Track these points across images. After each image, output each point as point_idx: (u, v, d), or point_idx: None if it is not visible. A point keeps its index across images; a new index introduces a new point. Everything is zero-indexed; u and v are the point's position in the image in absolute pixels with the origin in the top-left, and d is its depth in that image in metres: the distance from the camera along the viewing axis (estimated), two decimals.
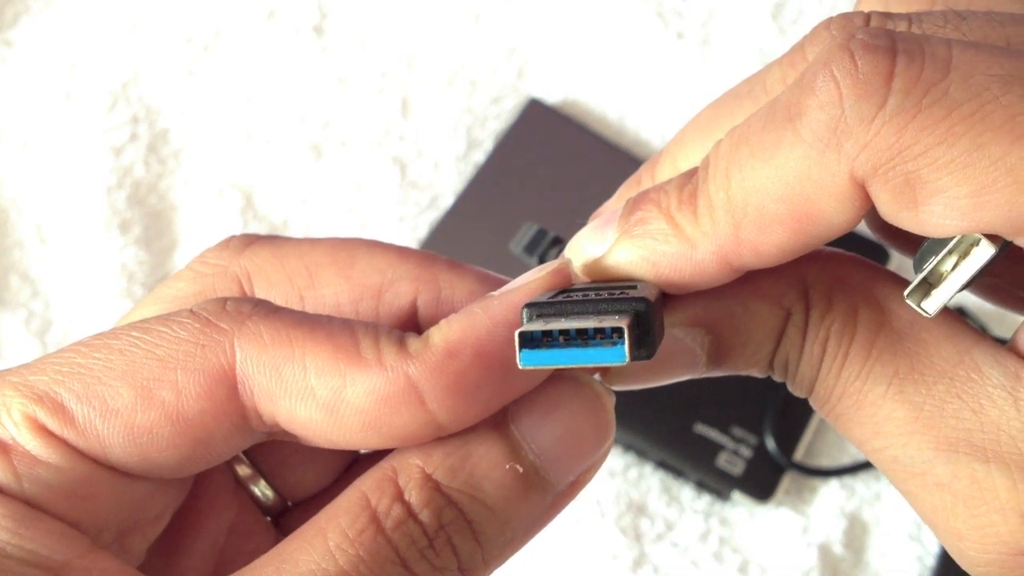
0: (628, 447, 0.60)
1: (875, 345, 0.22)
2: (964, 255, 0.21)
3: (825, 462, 0.59)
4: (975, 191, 0.19)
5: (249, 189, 0.66)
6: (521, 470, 0.22)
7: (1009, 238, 0.20)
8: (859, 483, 0.59)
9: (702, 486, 0.59)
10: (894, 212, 0.20)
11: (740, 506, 0.58)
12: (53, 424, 0.22)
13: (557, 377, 0.23)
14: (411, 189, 0.66)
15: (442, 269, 0.26)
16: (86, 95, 0.69)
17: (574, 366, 0.21)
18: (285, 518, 0.28)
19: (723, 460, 0.58)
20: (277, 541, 0.26)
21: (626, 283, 0.23)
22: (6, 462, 0.21)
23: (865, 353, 0.22)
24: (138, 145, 0.67)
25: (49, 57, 0.71)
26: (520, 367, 0.21)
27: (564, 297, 0.22)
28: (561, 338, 0.21)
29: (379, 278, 0.26)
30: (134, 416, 0.22)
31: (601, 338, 0.21)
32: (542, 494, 0.23)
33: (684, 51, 0.72)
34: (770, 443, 0.58)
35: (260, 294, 0.26)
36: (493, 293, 0.23)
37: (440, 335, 0.22)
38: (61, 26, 0.72)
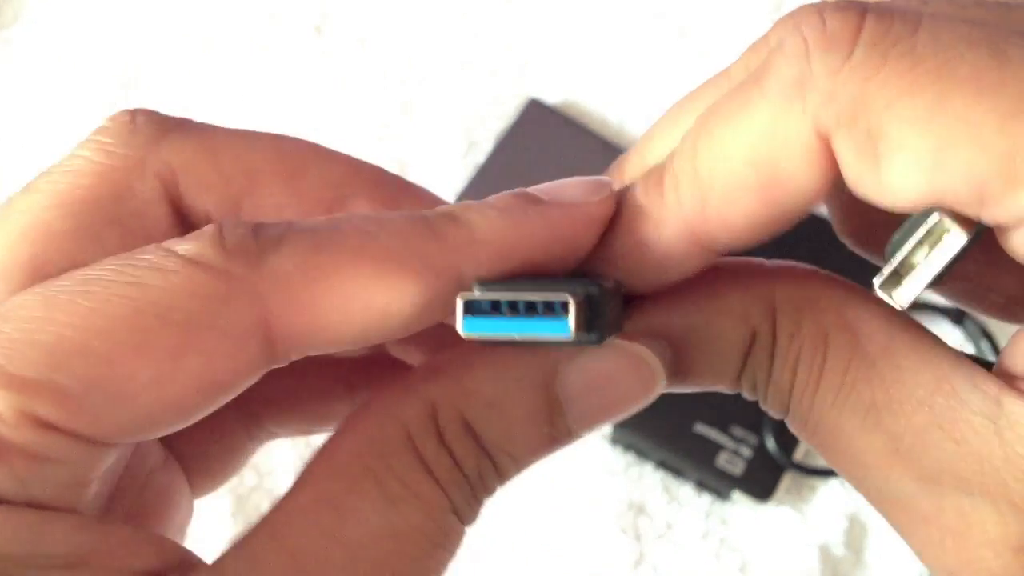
0: (628, 447, 0.60)
1: (848, 373, 0.21)
2: (935, 243, 0.20)
3: (825, 462, 0.59)
4: (936, 147, 0.18)
5: None
6: (556, 434, 0.22)
7: (972, 211, 0.19)
8: None
9: (702, 486, 0.59)
10: (857, 175, 0.19)
11: (740, 506, 0.58)
12: (56, 416, 0.18)
13: (613, 346, 0.22)
14: None
15: (399, 189, 0.24)
16: (85, 94, 0.69)
17: (516, 337, 0.20)
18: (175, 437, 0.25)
19: (723, 460, 0.58)
20: (167, 457, 0.25)
21: (590, 279, 0.22)
22: (6, 468, 0.18)
23: (838, 382, 0.21)
24: None
25: (48, 56, 0.71)
26: (462, 335, 0.20)
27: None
28: (508, 310, 0.20)
29: (331, 193, 0.23)
30: (157, 394, 0.19)
31: (549, 313, 0.20)
32: (566, 445, 0.22)
33: (684, 51, 0.72)
34: (770, 443, 0.58)
35: (190, 199, 0.22)
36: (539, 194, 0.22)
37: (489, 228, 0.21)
38: (60, 26, 0.72)
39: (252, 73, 0.71)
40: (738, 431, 0.59)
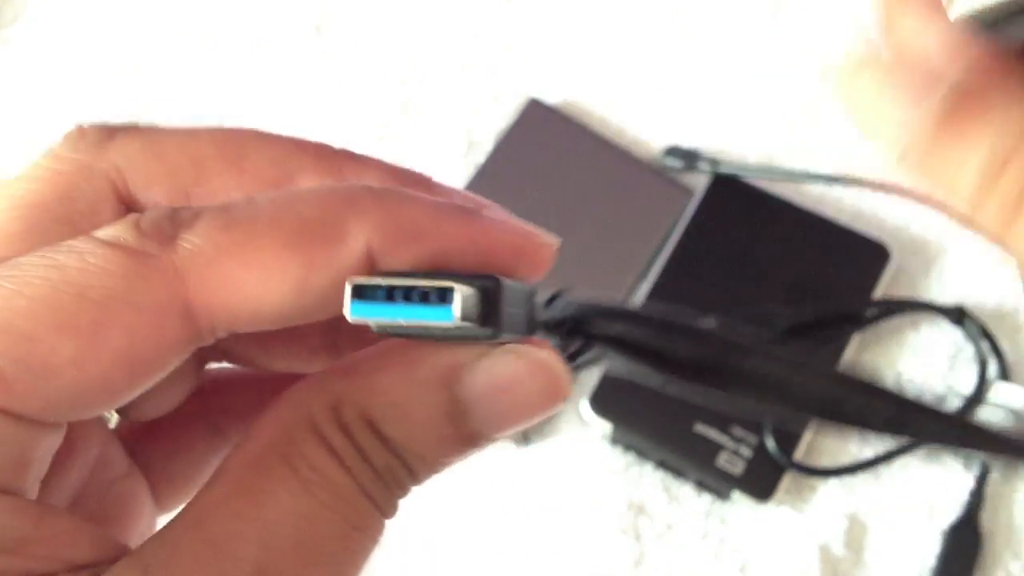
0: (628, 447, 0.60)
1: None
2: None
3: (825, 462, 0.59)
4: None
5: None
6: (462, 437, 0.22)
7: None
8: (859, 483, 0.59)
9: (702, 486, 0.59)
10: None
11: (740, 506, 0.58)
12: None
13: (516, 350, 0.22)
14: None
15: (345, 160, 0.24)
16: (85, 94, 0.69)
17: (403, 324, 0.20)
18: (138, 445, 0.26)
19: (723, 460, 0.58)
20: (131, 467, 0.25)
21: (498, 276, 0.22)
22: None
23: None
24: None
25: (48, 56, 0.71)
26: (349, 319, 0.20)
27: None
28: (398, 297, 0.20)
29: (275, 171, 0.24)
30: (82, 370, 0.20)
31: (437, 302, 0.20)
32: (480, 447, 0.22)
33: (685, 51, 0.72)
34: (770, 443, 0.58)
35: (140, 194, 0.23)
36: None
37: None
38: (60, 25, 0.72)
39: (252, 72, 0.71)
40: (738, 431, 0.59)
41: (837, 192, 0.67)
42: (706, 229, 0.65)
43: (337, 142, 0.25)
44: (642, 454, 0.60)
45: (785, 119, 0.69)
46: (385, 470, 0.21)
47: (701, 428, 0.59)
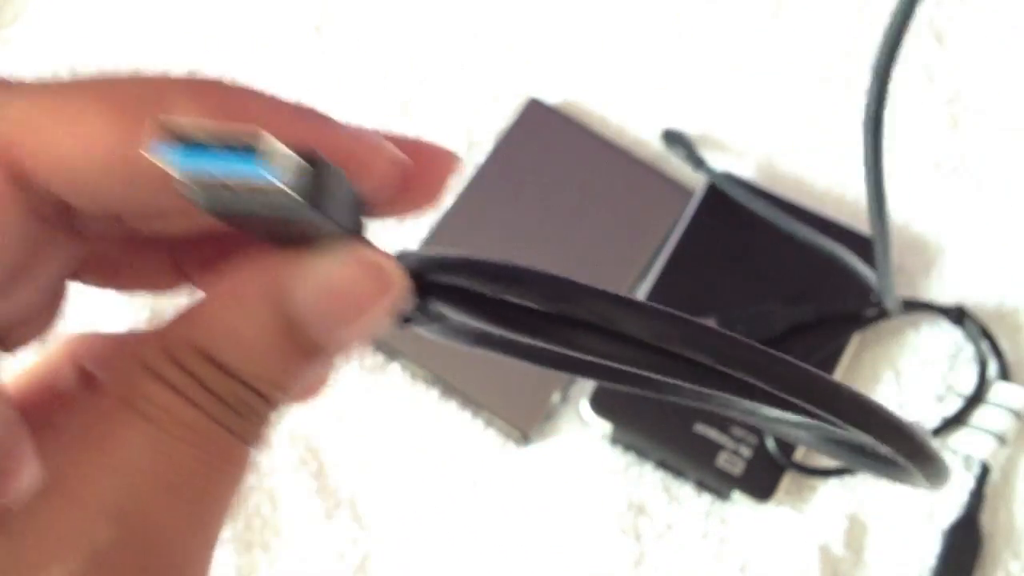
0: (628, 447, 0.60)
1: None
2: None
3: (825, 462, 0.59)
4: None
5: None
6: (302, 350, 0.22)
7: None
8: (859, 483, 0.59)
9: (702, 486, 0.59)
10: None
11: (740, 506, 0.58)
12: None
13: (335, 250, 0.22)
14: None
15: (224, 89, 0.24)
16: None
17: (218, 175, 0.19)
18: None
19: (723, 460, 0.58)
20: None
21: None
22: None
23: None
24: None
25: (48, 56, 0.71)
26: (151, 156, 0.20)
27: None
28: (216, 147, 0.19)
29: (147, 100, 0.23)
30: None
31: (255, 157, 0.19)
32: (325, 359, 0.22)
33: (685, 51, 0.72)
34: (770, 443, 0.58)
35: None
36: None
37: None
38: (60, 26, 0.72)
39: (252, 72, 0.71)
40: (738, 431, 0.59)
41: (838, 191, 0.67)
42: (706, 229, 0.65)
43: None
44: (642, 454, 0.60)
45: (785, 119, 0.69)
46: (232, 398, 0.21)
47: (701, 428, 0.59)
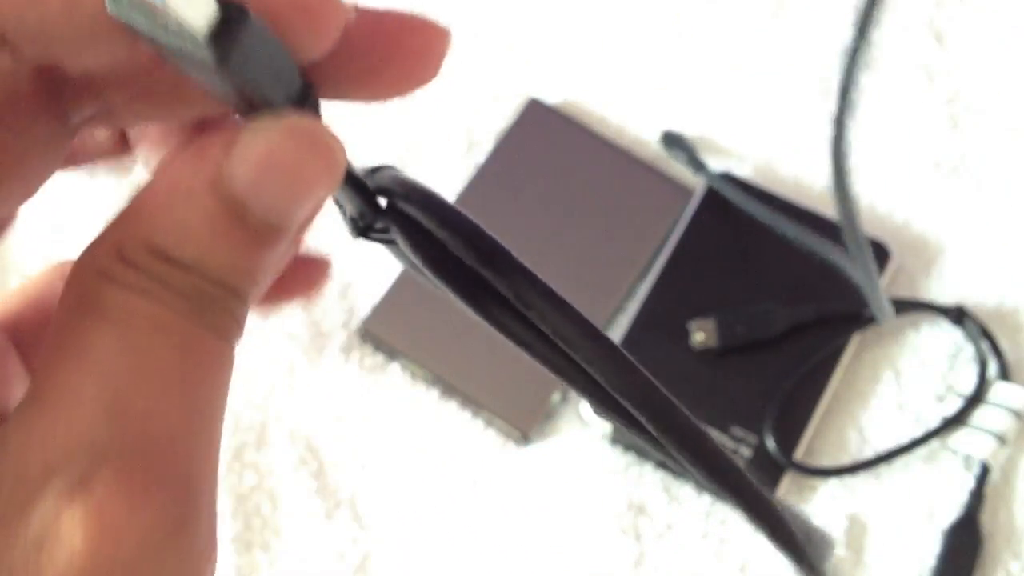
0: (628, 447, 0.60)
1: None
2: None
3: (825, 462, 0.59)
4: None
5: None
6: (252, 231, 0.21)
7: None
8: (859, 483, 0.59)
9: (702, 486, 0.59)
10: None
11: None
12: None
13: (267, 122, 0.21)
14: None
15: None
16: None
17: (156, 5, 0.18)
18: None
19: None
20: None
21: None
22: None
23: None
24: None
25: None
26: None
27: None
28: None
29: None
30: None
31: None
32: (279, 240, 0.21)
33: (685, 51, 0.72)
34: (770, 443, 0.58)
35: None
36: None
37: None
38: None
39: None
40: (738, 431, 0.59)
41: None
42: (706, 229, 0.65)
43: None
44: (642, 454, 0.60)
45: (785, 120, 0.69)
46: (194, 292, 0.20)
47: None
